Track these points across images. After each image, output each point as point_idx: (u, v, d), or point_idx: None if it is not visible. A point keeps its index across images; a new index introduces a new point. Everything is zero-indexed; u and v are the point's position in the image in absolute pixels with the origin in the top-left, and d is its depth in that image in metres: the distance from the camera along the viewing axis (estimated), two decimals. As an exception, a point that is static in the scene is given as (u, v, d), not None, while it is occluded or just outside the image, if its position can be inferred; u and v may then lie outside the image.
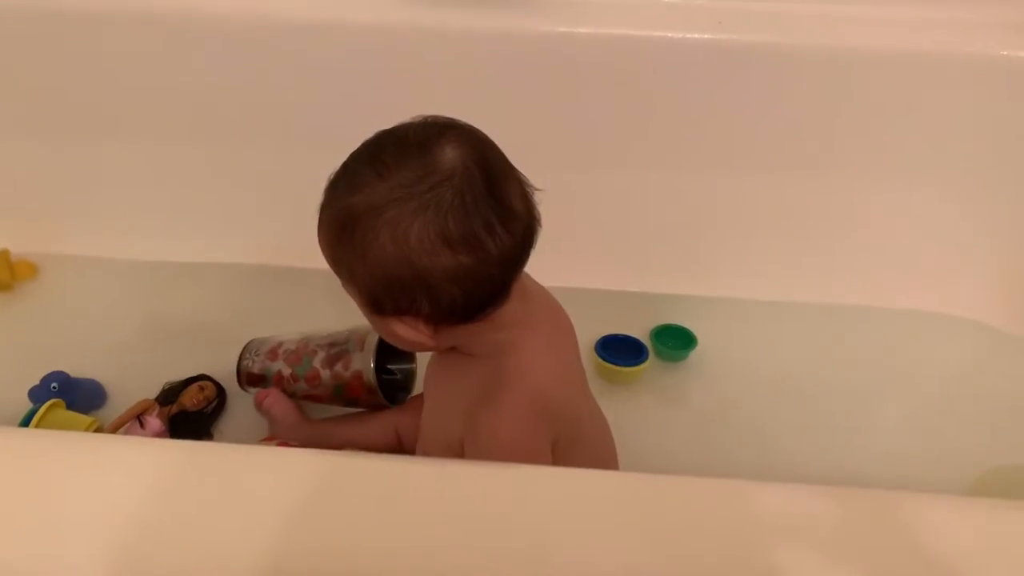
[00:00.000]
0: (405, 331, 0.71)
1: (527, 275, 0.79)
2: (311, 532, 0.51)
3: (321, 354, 1.07)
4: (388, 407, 1.06)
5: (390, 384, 1.08)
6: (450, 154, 0.66)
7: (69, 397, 1.09)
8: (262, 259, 1.32)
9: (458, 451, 0.76)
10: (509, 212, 0.67)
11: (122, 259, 1.33)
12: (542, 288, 0.85)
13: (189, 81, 1.23)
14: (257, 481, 0.54)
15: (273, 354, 1.10)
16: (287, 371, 1.08)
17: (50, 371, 1.11)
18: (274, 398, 1.09)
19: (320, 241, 0.71)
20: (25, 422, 1.01)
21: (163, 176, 1.32)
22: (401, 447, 1.01)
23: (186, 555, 0.50)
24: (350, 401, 1.07)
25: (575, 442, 0.79)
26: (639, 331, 1.21)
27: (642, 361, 1.16)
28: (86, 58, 1.22)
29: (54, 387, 1.10)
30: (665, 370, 1.19)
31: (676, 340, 1.20)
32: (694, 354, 1.20)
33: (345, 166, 0.69)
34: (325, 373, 1.06)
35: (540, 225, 0.70)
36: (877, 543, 0.53)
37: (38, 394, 1.10)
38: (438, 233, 0.64)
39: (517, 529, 0.52)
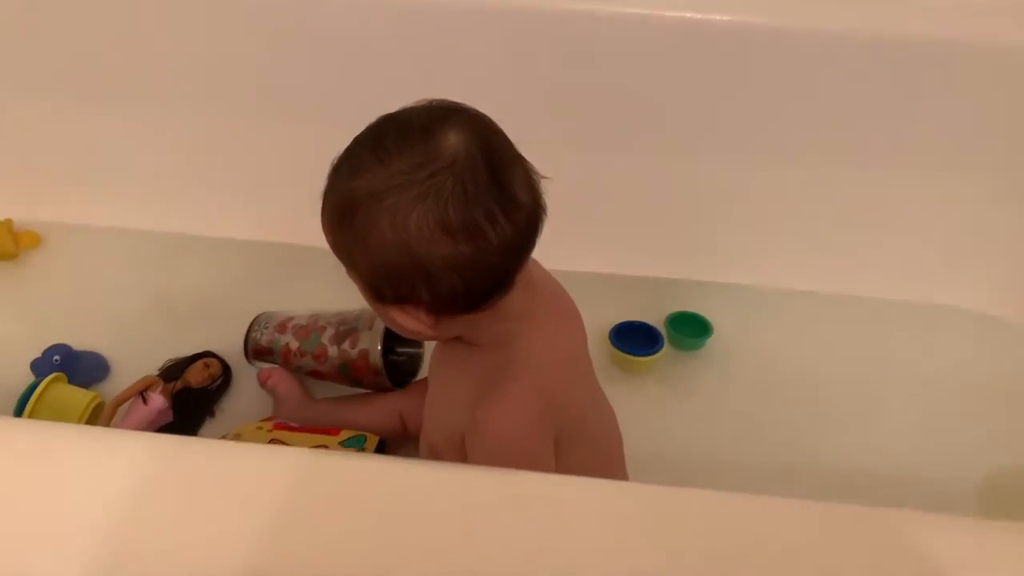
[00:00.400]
0: (406, 320, 0.70)
1: (535, 264, 0.78)
2: (300, 537, 0.50)
3: (330, 331, 1.07)
4: (393, 390, 1.06)
5: (396, 366, 1.08)
6: (453, 140, 0.64)
7: (71, 370, 1.10)
8: (275, 236, 1.31)
9: (459, 442, 0.76)
10: (512, 200, 0.66)
11: (129, 229, 1.33)
12: (550, 278, 0.84)
13: (205, 52, 1.22)
14: (245, 480, 0.53)
15: (282, 327, 1.10)
16: (295, 345, 1.08)
17: (53, 343, 1.12)
18: (278, 377, 1.09)
19: (323, 226, 0.70)
20: (26, 396, 1.01)
21: (174, 147, 1.31)
22: (405, 432, 1.01)
23: (169, 556, 0.50)
24: (355, 380, 1.07)
25: (579, 436, 0.79)
26: (654, 317, 1.20)
27: (656, 351, 1.15)
28: (99, 25, 1.21)
29: (56, 360, 1.10)
30: (679, 359, 1.18)
31: (692, 328, 1.19)
32: (710, 343, 1.19)
33: (348, 150, 0.68)
34: (332, 350, 1.06)
35: (546, 214, 0.69)
36: (889, 567, 0.52)
37: (40, 367, 1.10)
38: (437, 221, 0.63)
39: (516, 539, 0.51)
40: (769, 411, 1.13)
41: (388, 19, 1.16)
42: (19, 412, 1.00)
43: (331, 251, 0.72)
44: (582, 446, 0.79)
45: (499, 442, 0.73)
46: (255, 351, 1.11)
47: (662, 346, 1.16)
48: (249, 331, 1.12)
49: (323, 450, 0.57)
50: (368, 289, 0.70)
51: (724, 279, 1.27)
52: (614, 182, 1.26)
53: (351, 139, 0.69)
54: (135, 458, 0.55)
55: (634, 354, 1.14)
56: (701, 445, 1.08)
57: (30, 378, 1.08)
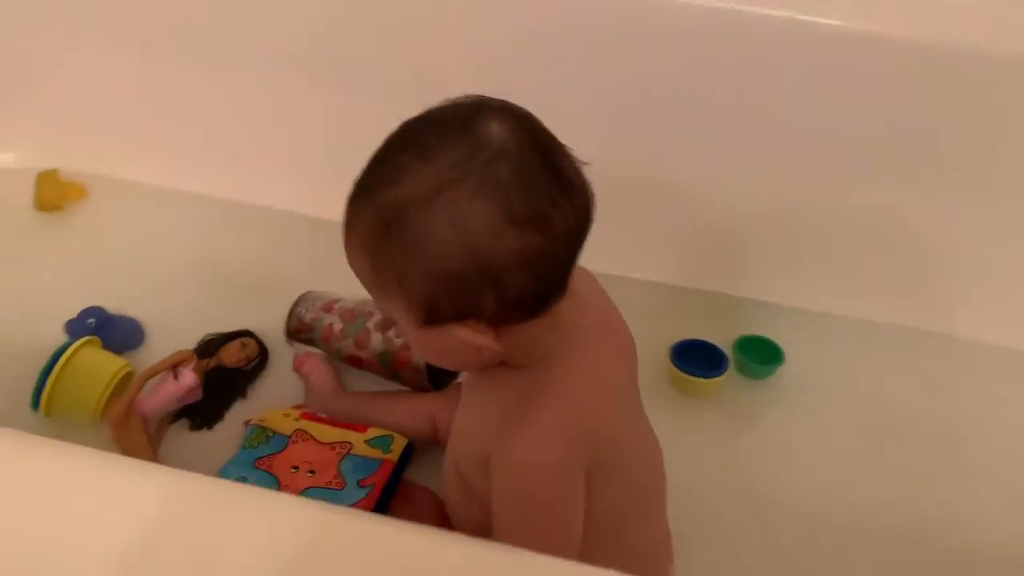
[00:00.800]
0: (468, 335, 0.65)
1: (584, 274, 0.75)
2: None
3: (377, 317, 1.05)
4: (429, 390, 1.04)
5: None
6: (496, 128, 0.61)
7: (105, 335, 1.09)
8: (332, 214, 1.28)
9: (484, 464, 0.72)
10: (569, 183, 0.63)
11: (181, 191, 1.32)
12: (599, 291, 0.81)
13: (279, 23, 1.21)
14: (256, 529, 0.51)
15: (328, 307, 1.09)
16: (338, 326, 1.07)
17: (89, 306, 1.12)
18: (313, 363, 1.07)
19: (353, 256, 0.66)
20: (55, 357, 1.01)
21: (238, 113, 1.30)
22: (435, 437, 0.99)
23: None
24: (393, 373, 1.06)
25: (614, 472, 0.74)
26: (721, 338, 1.14)
27: (719, 374, 1.09)
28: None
29: (90, 323, 1.10)
30: (744, 386, 1.12)
31: (761, 353, 1.13)
32: (779, 372, 1.12)
33: (372, 165, 0.64)
34: (376, 337, 1.04)
35: (594, 199, 0.66)
36: None
37: (74, 328, 1.10)
38: (503, 212, 0.59)
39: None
40: (838, 454, 1.06)
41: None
42: (47, 373, 0.99)
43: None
44: (616, 483, 0.75)
45: (523, 471, 0.69)
46: (297, 327, 1.10)
47: (726, 369, 1.10)
48: (294, 306, 1.10)
49: (346, 509, 0.55)
50: (421, 311, 0.64)
51: (802, 304, 1.21)
52: (692, 187, 1.21)
53: (431, 112, 0.64)
54: (159, 496, 0.53)
55: (695, 375, 1.09)
56: (756, 486, 1.02)
57: (63, 338, 1.08)
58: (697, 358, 1.10)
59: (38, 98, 1.32)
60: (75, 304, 1.12)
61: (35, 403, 0.99)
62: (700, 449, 1.04)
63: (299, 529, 0.50)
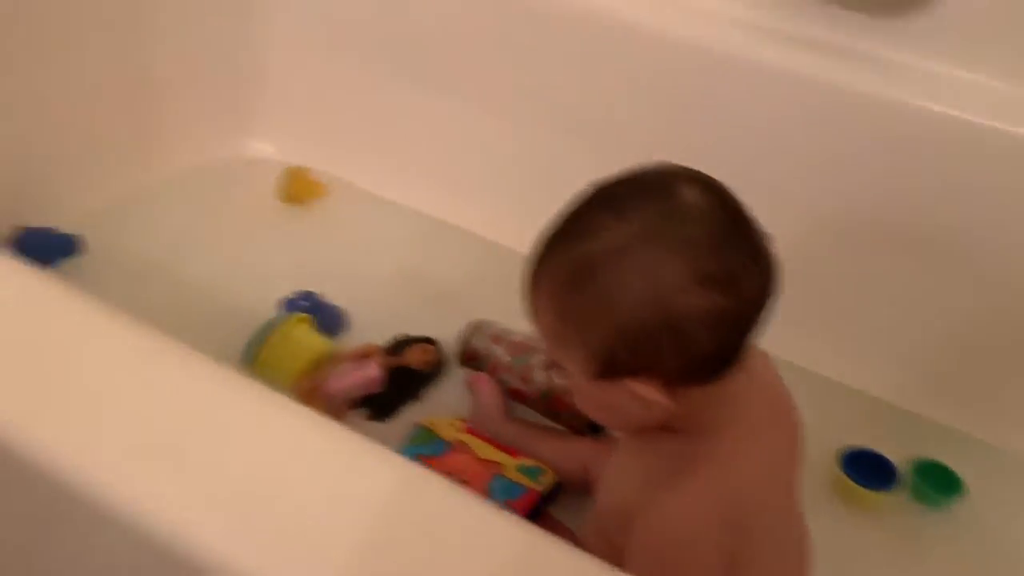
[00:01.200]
0: (642, 389, 0.67)
1: (761, 356, 0.76)
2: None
3: (542, 355, 1.10)
4: (585, 433, 1.07)
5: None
6: (691, 193, 0.65)
7: (314, 317, 1.20)
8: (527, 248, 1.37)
9: (626, 522, 0.73)
10: (758, 251, 0.66)
11: (406, 206, 1.46)
12: (775, 377, 0.81)
13: (516, 62, 1.32)
14: (474, 539, 0.55)
15: (498, 339, 1.15)
16: (505, 359, 1.13)
17: (304, 289, 1.25)
18: (484, 384, 1.13)
19: (536, 302, 0.70)
20: (271, 324, 1.13)
21: (468, 141, 1.42)
22: (585, 482, 1.01)
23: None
24: (551, 413, 1.10)
25: (754, 562, 0.74)
26: (896, 455, 1.10)
27: (888, 488, 1.06)
28: (445, 14, 1.35)
29: (303, 304, 1.22)
30: (915, 512, 1.08)
31: (939, 481, 1.08)
32: (957, 507, 1.07)
33: (566, 220, 0.68)
34: (539, 375, 1.09)
35: (779, 273, 0.68)
36: None
37: (288, 307, 1.23)
38: (694, 271, 0.63)
39: None
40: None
41: (700, 60, 1.19)
42: (265, 334, 1.12)
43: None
44: (754, 572, 0.74)
45: (663, 538, 0.70)
46: (469, 355, 1.17)
47: (895, 485, 1.06)
48: (467, 334, 1.18)
49: (560, 539, 0.59)
50: (599, 363, 0.67)
51: (990, 439, 1.15)
52: (901, 296, 1.18)
53: (628, 174, 0.68)
54: (393, 480, 0.59)
55: (864, 486, 1.06)
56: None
57: (274, 312, 1.21)
58: (867, 469, 1.07)
59: (304, 102, 1.50)
60: (291, 286, 1.25)
61: (249, 358, 1.11)
62: (856, 565, 1.01)
63: (515, 550, 0.55)
